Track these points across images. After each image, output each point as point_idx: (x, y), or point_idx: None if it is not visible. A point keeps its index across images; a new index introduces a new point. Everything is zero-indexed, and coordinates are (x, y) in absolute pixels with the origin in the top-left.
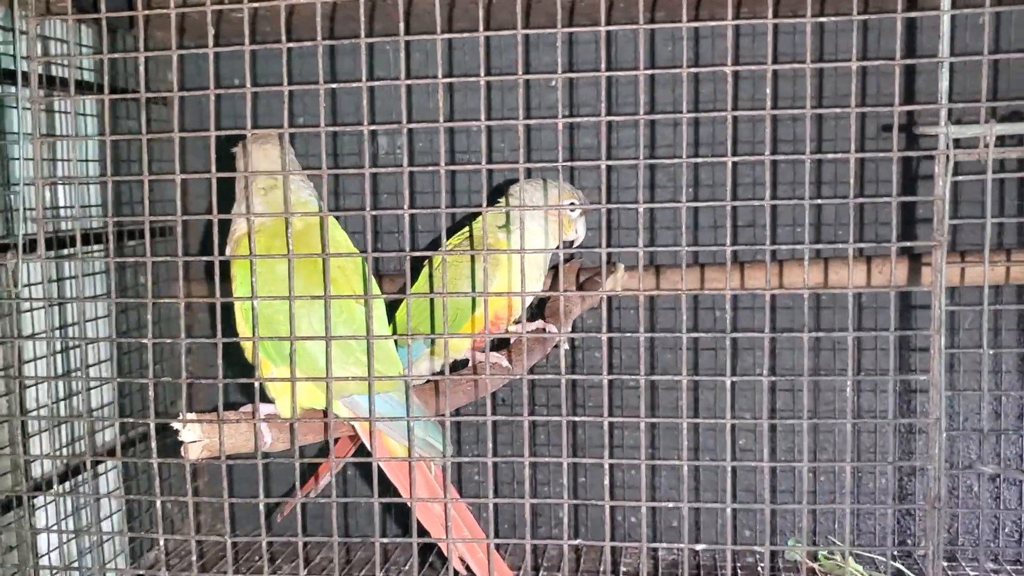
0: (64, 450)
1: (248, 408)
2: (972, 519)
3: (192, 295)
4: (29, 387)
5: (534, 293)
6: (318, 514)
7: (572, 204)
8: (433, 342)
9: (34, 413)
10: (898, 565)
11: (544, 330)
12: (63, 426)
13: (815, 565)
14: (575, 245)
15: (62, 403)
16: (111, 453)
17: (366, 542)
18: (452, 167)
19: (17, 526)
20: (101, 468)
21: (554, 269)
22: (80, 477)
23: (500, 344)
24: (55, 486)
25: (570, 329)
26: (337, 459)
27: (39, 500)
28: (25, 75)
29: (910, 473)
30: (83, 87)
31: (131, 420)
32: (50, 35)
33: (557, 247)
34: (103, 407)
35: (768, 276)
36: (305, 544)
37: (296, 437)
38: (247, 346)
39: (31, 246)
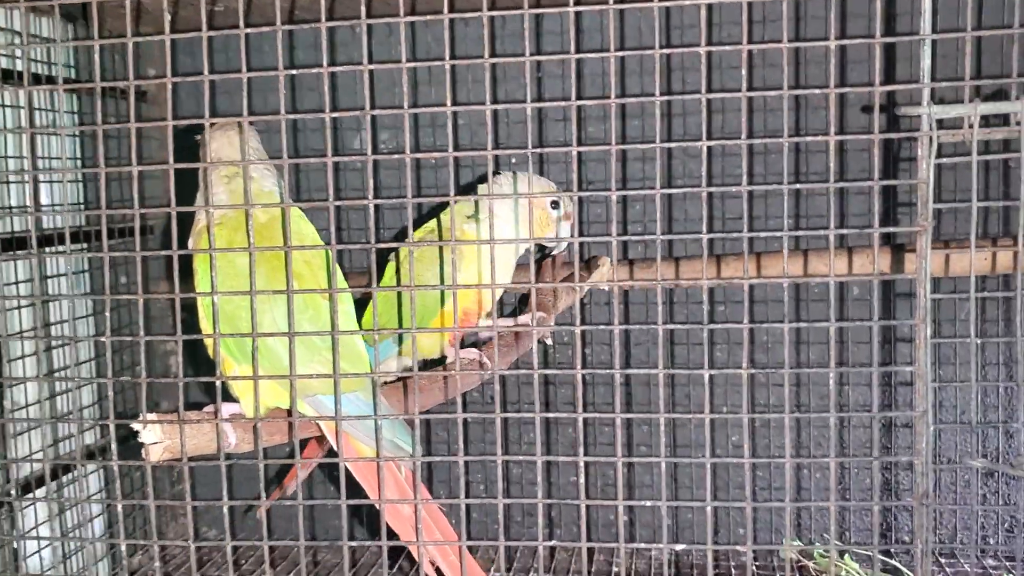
0: (40, 454)
1: (211, 408)
2: (971, 515)
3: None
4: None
5: (503, 285)
6: (289, 516)
7: (546, 194)
8: (401, 341)
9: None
10: (895, 563)
11: (518, 323)
12: (35, 431)
13: (810, 563)
14: (557, 251)
15: (36, 407)
16: (91, 456)
17: (334, 545)
18: (418, 155)
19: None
20: (80, 471)
21: (536, 264)
22: (55, 482)
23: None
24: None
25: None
26: (306, 460)
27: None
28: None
29: (906, 468)
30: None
31: (91, 421)
32: (34, 31)
33: (543, 251)
34: (81, 410)
35: (746, 265)
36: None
37: (261, 438)
38: (210, 344)
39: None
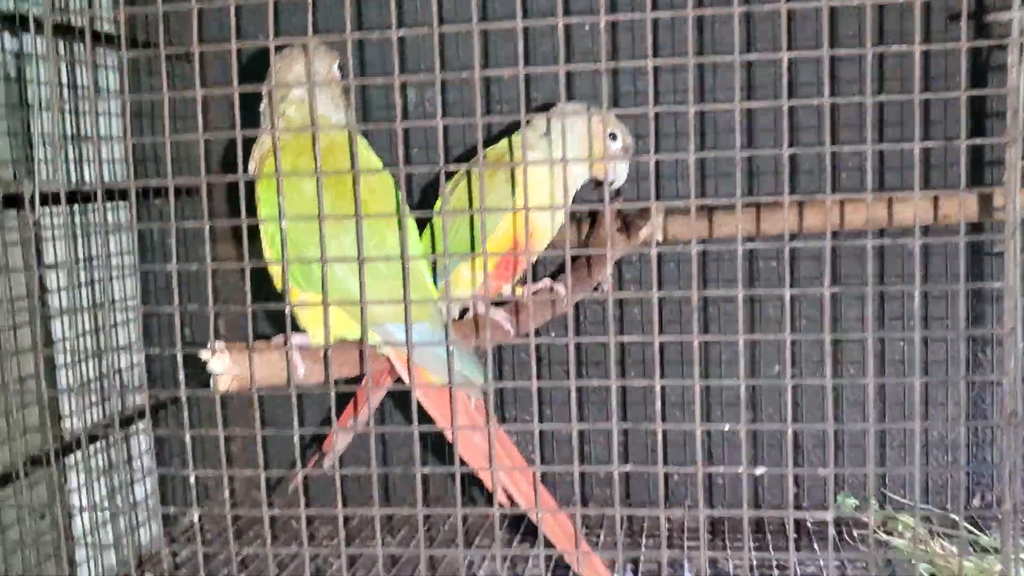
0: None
1: (279, 339)
2: None
3: (220, 253)
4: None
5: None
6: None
7: (613, 135)
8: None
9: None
10: (966, 524)
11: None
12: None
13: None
14: (613, 186)
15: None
16: (140, 415)
17: (406, 471)
18: (488, 71)
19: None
20: (132, 429)
21: (593, 214)
22: (101, 441)
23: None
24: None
25: (610, 272)
26: (373, 388)
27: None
28: (40, 26)
29: (983, 433)
30: (105, 41)
31: (155, 350)
32: None
33: (597, 185)
34: (119, 371)
35: (828, 213)
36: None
37: (330, 367)
38: (275, 272)
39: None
